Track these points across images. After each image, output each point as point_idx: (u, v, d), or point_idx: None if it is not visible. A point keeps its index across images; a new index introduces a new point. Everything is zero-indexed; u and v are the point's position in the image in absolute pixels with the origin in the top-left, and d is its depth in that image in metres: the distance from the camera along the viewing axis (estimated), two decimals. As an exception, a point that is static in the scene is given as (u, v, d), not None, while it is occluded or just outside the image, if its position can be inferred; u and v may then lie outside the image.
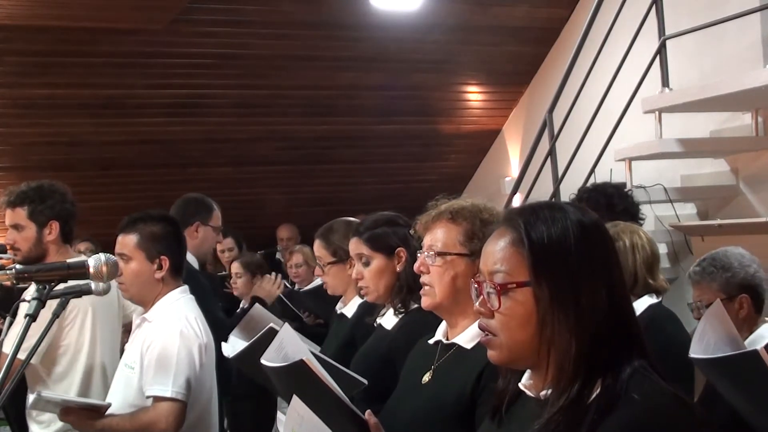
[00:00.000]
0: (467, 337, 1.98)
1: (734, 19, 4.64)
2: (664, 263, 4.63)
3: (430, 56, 6.92)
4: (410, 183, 7.93)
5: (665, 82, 4.89)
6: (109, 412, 2.72)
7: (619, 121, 4.90)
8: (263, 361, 1.97)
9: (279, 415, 2.80)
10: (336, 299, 3.24)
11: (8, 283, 2.31)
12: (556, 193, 5.23)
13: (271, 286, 4.37)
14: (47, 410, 2.96)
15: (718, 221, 4.71)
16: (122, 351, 3.46)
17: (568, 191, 4.95)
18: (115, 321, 3.50)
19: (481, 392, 1.86)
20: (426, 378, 2.02)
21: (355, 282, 2.79)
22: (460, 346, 1.99)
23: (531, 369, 1.41)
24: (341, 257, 3.04)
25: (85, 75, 6.15)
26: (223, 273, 5.72)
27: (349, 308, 3.08)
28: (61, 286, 2.27)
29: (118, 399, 2.80)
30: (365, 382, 2.27)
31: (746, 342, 2.61)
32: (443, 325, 2.09)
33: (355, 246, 2.71)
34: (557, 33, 7.08)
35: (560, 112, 5.29)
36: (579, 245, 1.34)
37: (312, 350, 2.40)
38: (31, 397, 2.67)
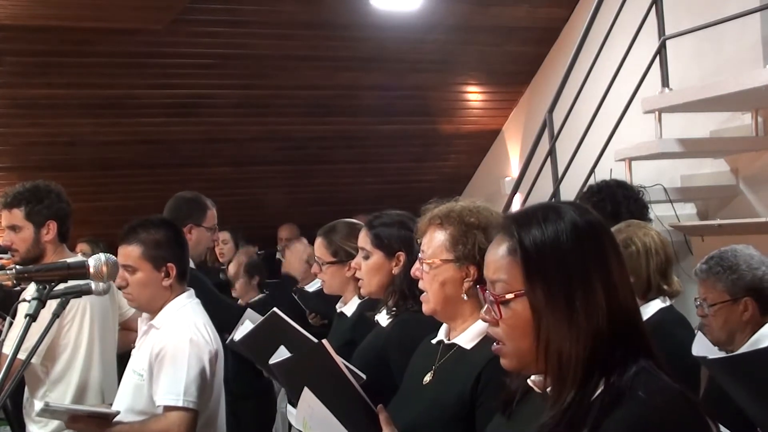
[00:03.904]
0: (467, 337, 1.99)
1: (734, 19, 4.64)
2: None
3: (430, 56, 6.91)
4: (410, 183, 7.93)
5: (665, 82, 4.88)
6: (116, 419, 2.69)
7: (619, 121, 4.89)
8: (273, 361, 1.97)
9: (290, 408, 2.82)
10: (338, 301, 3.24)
11: (8, 283, 2.31)
12: (556, 193, 5.22)
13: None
14: (54, 418, 2.94)
15: (718, 221, 4.70)
16: (118, 349, 3.47)
17: (568, 191, 4.96)
18: (112, 319, 3.49)
19: (480, 393, 1.86)
20: (427, 378, 2.03)
21: (353, 276, 2.81)
22: (460, 347, 1.99)
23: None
24: (341, 258, 3.04)
25: (85, 75, 6.15)
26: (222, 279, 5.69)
27: (348, 307, 3.07)
28: (61, 286, 2.26)
29: (125, 406, 2.77)
30: (363, 376, 2.26)
31: (749, 342, 2.62)
32: (445, 325, 2.09)
33: (362, 237, 2.73)
34: (557, 33, 7.07)
35: (560, 112, 5.28)
36: (572, 248, 1.34)
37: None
38: (37, 404, 2.65)
